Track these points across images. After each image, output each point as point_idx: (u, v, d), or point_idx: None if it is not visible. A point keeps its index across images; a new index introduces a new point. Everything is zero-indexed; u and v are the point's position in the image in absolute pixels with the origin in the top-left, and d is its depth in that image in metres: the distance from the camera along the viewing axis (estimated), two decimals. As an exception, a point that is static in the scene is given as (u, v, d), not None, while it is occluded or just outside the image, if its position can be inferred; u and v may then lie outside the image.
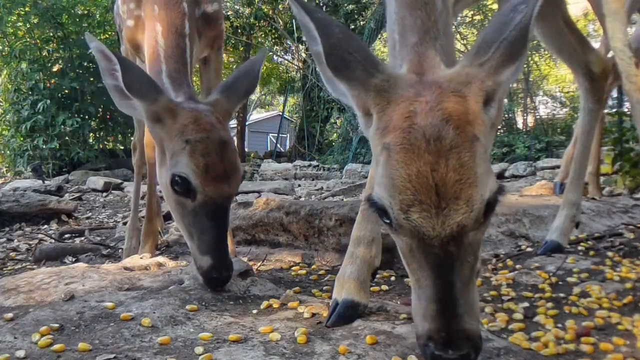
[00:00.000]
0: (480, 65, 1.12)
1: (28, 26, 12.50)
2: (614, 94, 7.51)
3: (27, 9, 12.24)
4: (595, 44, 2.85)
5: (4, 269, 2.93)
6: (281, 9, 17.20)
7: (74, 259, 3.08)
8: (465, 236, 1.01)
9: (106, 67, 1.72)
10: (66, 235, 3.93)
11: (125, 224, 3.94)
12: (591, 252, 2.25)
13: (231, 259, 1.79)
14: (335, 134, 18.43)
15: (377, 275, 2.10)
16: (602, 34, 3.99)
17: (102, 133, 13.45)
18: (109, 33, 12.52)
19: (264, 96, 27.15)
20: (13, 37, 12.71)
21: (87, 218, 5.11)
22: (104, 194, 7.65)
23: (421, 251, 1.03)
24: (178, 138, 1.70)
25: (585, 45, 2.41)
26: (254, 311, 1.61)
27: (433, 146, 1.00)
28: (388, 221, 1.06)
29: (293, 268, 2.36)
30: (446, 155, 1.00)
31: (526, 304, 1.67)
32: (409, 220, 1.01)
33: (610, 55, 2.37)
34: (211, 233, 1.69)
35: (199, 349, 1.27)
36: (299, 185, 8.28)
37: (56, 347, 1.27)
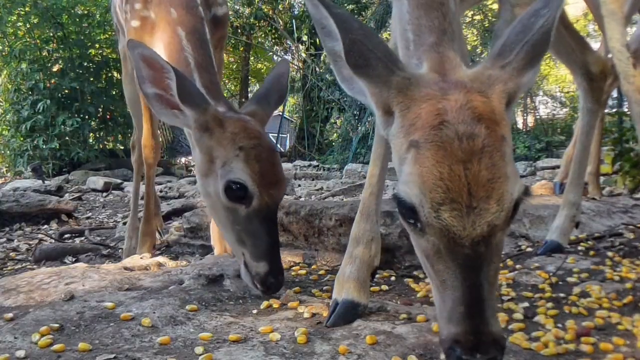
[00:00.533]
0: (502, 67, 1.11)
1: (28, 26, 12.50)
2: (614, 94, 7.51)
3: (27, 9, 12.24)
4: (596, 45, 2.85)
5: (4, 269, 2.93)
6: (281, 9, 17.21)
7: (74, 259, 3.08)
8: (493, 236, 1.00)
9: (148, 75, 1.69)
10: (66, 235, 3.93)
11: (125, 224, 3.94)
12: (591, 252, 2.25)
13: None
14: (335, 134, 18.41)
15: (377, 275, 2.10)
16: (602, 34, 3.99)
17: (102, 133, 13.46)
18: (109, 33, 12.50)
19: (264, 96, 27.16)
20: (13, 37, 12.71)
21: (87, 218, 5.11)
22: (104, 194, 7.64)
23: (449, 252, 1.01)
24: (230, 145, 1.71)
25: (583, 46, 2.41)
26: (254, 311, 1.61)
27: (466, 144, 0.99)
28: (413, 221, 1.04)
29: (293, 268, 2.36)
30: (479, 154, 0.99)
31: (526, 304, 1.66)
32: (439, 220, 0.99)
33: (610, 55, 2.37)
34: (265, 239, 1.70)
35: (199, 349, 1.27)
36: (299, 185, 8.27)
37: (56, 347, 1.27)
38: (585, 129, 2.39)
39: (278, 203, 1.76)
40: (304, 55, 17.02)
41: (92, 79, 12.59)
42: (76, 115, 12.06)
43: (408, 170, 1.04)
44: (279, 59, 19.79)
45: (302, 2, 15.38)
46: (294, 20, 16.49)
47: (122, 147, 13.21)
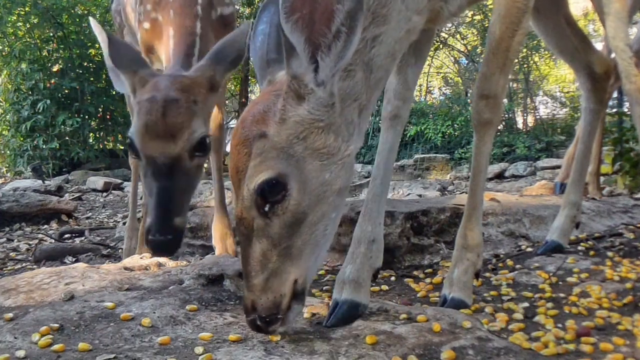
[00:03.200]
0: None
1: (28, 26, 12.49)
2: (614, 94, 7.51)
3: (27, 9, 12.23)
4: (595, 44, 2.85)
5: (4, 269, 2.93)
6: (281, 9, 17.18)
7: (74, 259, 3.08)
8: (249, 220, 1.23)
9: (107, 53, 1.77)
10: (66, 235, 3.93)
11: (125, 224, 3.94)
12: (591, 252, 2.25)
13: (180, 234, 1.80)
14: (335, 134, 18.38)
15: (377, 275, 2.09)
16: (602, 34, 3.99)
17: (102, 133, 13.44)
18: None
19: (264, 96, 27.15)
20: (13, 37, 12.70)
21: (87, 218, 5.11)
22: (104, 194, 7.65)
23: None
24: (136, 103, 1.75)
25: (587, 46, 2.40)
26: (254, 311, 1.61)
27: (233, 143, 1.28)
28: None
29: (293, 268, 2.36)
30: (237, 150, 1.25)
31: (526, 304, 1.66)
32: None
33: (612, 56, 2.36)
34: (155, 195, 1.67)
35: (199, 349, 1.27)
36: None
37: (56, 347, 1.27)
38: (587, 129, 2.38)
39: (170, 157, 1.70)
40: (304, 55, 17.00)
41: (92, 79, 12.58)
42: (76, 115, 12.05)
43: None
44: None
45: (302, 2, 15.33)
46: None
47: (122, 147, 13.19)
